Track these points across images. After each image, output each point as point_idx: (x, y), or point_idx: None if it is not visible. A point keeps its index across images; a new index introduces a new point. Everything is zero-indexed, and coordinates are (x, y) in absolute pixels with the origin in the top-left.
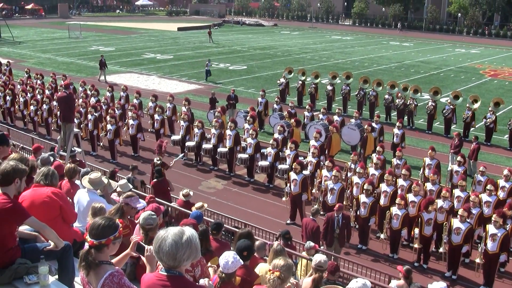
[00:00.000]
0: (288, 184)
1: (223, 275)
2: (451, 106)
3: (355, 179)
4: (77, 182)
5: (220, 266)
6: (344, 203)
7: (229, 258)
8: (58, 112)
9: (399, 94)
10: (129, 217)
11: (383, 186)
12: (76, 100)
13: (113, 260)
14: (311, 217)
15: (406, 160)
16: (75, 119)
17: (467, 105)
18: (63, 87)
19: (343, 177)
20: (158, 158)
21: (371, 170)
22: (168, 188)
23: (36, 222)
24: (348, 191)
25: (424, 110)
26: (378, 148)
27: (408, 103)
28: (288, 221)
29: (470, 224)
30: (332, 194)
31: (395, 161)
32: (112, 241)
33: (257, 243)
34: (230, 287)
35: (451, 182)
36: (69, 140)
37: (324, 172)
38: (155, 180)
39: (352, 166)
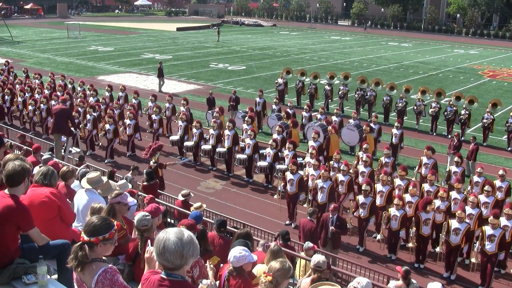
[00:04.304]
0: (282, 184)
1: (231, 267)
2: (454, 108)
3: (340, 177)
4: (76, 182)
5: (230, 261)
6: None
7: (241, 250)
8: (51, 124)
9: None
10: (125, 215)
11: (379, 186)
12: (75, 100)
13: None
14: (308, 217)
15: (394, 159)
16: (75, 120)
17: (464, 106)
18: (61, 101)
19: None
20: (154, 161)
21: (361, 168)
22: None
23: (37, 235)
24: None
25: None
26: (365, 146)
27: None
28: (287, 222)
29: (468, 224)
30: (322, 193)
31: (383, 159)
32: (102, 241)
33: (261, 241)
34: (241, 279)
35: (448, 182)
36: (67, 144)
37: (311, 170)
38: (145, 183)
39: (336, 165)
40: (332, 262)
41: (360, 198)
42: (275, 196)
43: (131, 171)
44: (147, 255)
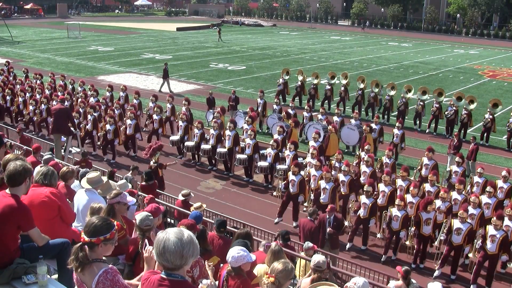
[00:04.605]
0: (283, 183)
1: (229, 268)
2: (454, 108)
3: (341, 177)
4: (76, 182)
5: (228, 261)
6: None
7: (239, 250)
8: (50, 125)
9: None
10: (125, 214)
11: (381, 186)
12: (74, 100)
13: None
14: (308, 217)
15: (395, 160)
16: (74, 120)
17: (464, 106)
18: (59, 101)
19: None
20: (154, 161)
21: (363, 168)
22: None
23: (37, 235)
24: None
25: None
26: (366, 147)
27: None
28: (276, 220)
29: (470, 225)
30: (325, 194)
31: (384, 159)
32: (103, 241)
33: (262, 242)
34: (240, 279)
35: (448, 182)
36: (67, 144)
37: (312, 171)
38: (143, 183)
39: (337, 164)
40: (332, 262)
41: (362, 198)
42: (274, 193)
43: (131, 171)
44: (146, 254)
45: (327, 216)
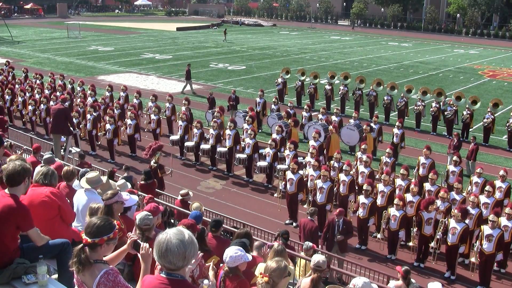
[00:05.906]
0: (283, 183)
1: (226, 268)
2: (454, 107)
3: (342, 177)
4: (76, 182)
5: (225, 261)
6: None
7: (237, 250)
8: (50, 124)
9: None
10: (126, 213)
11: (380, 186)
12: (75, 100)
13: (109, 257)
14: (309, 217)
15: (395, 159)
16: (73, 119)
17: (466, 106)
18: (60, 101)
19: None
20: (154, 161)
21: (361, 168)
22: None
23: (36, 235)
24: (335, 189)
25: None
26: (363, 146)
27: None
28: (287, 221)
29: (466, 224)
30: (321, 193)
31: (384, 158)
32: (106, 241)
33: (256, 243)
34: (237, 280)
35: (447, 182)
36: (66, 144)
37: (311, 171)
38: (142, 182)
39: (336, 164)
40: (339, 265)
41: (361, 198)
42: (275, 195)
43: (126, 171)
44: (143, 251)
45: (336, 219)
